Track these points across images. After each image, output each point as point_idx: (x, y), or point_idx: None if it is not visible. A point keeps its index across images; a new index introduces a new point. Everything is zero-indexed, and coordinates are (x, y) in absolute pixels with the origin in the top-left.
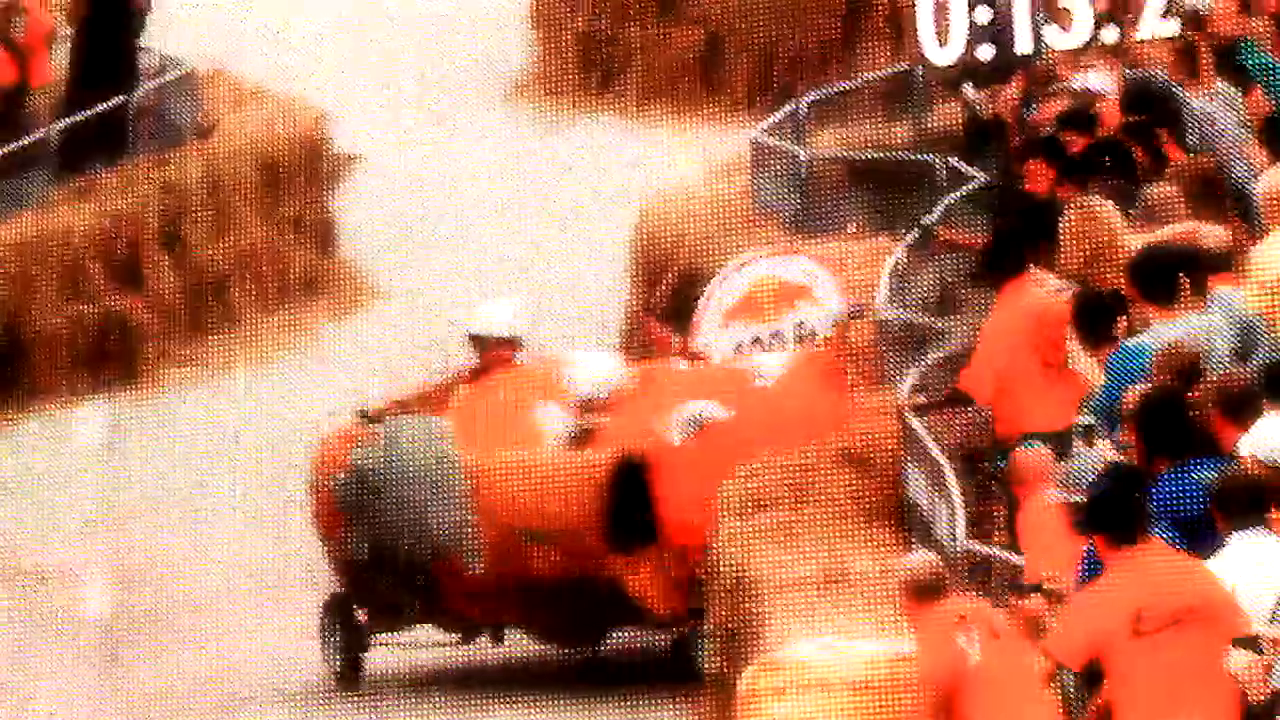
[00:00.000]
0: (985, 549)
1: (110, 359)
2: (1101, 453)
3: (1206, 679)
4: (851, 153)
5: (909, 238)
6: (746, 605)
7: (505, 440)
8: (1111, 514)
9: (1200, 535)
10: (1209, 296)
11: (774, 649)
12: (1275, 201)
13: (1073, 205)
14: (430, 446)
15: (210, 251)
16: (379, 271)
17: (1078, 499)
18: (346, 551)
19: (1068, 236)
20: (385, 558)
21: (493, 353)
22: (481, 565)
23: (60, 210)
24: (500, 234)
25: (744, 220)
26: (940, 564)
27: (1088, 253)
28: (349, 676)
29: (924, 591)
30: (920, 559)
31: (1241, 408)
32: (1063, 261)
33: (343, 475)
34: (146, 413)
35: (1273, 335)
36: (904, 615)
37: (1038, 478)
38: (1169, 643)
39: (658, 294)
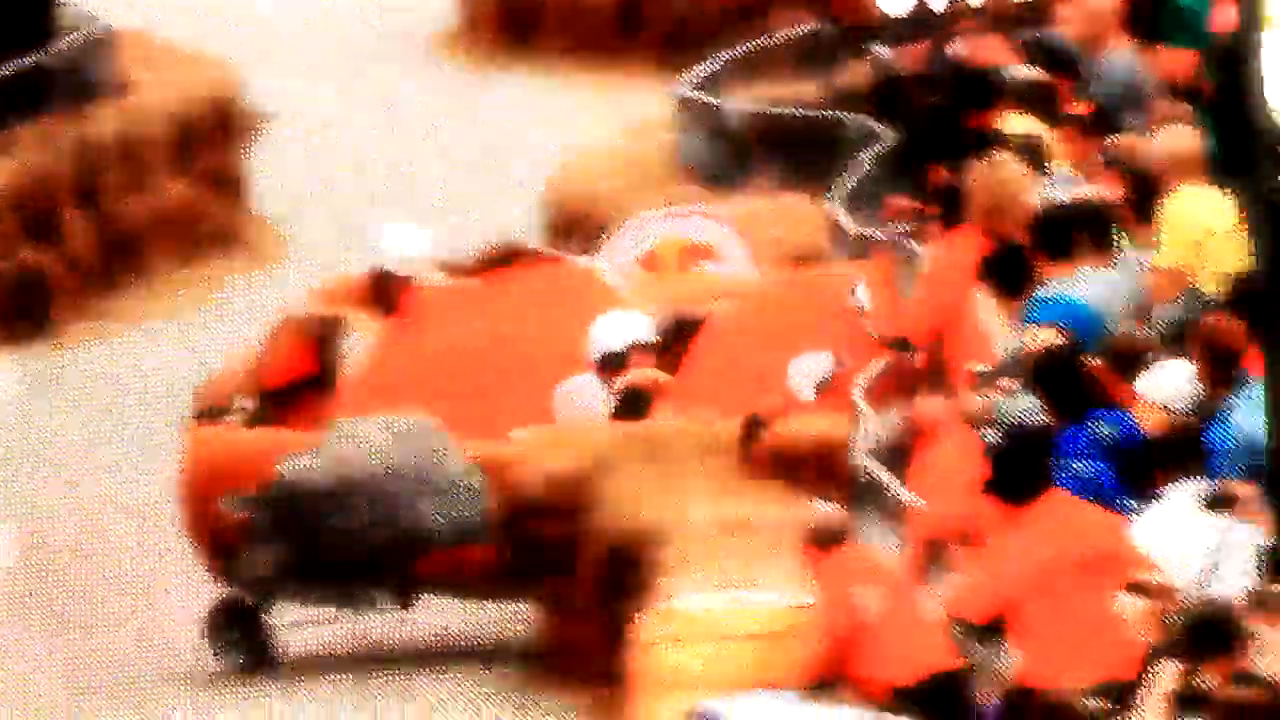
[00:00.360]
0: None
1: (24, 314)
2: (1018, 405)
3: (1109, 629)
4: (770, 108)
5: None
6: (644, 554)
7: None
8: (1014, 473)
9: (1102, 490)
10: (1114, 254)
11: (671, 598)
12: (1175, 159)
13: (979, 161)
14: (416, 444)
15: (125, 207)
16: (293, 226)
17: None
18: (255, 569)
19: (974, 191)
20: (325, 564)
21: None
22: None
23: None
24: (416, 190)
25: (661, 176)
26: (844, 513)
27: (992, 207)
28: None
29: (826, 539)
30: (825, 507)
31: (1135, 365)
32: (970, 216)
33: (258, 492)
34: (60, 367)
35: (1178, 293)
36: (805, 563)
37: (938, 427)
38: (1072, 594)
39: (570, 249)
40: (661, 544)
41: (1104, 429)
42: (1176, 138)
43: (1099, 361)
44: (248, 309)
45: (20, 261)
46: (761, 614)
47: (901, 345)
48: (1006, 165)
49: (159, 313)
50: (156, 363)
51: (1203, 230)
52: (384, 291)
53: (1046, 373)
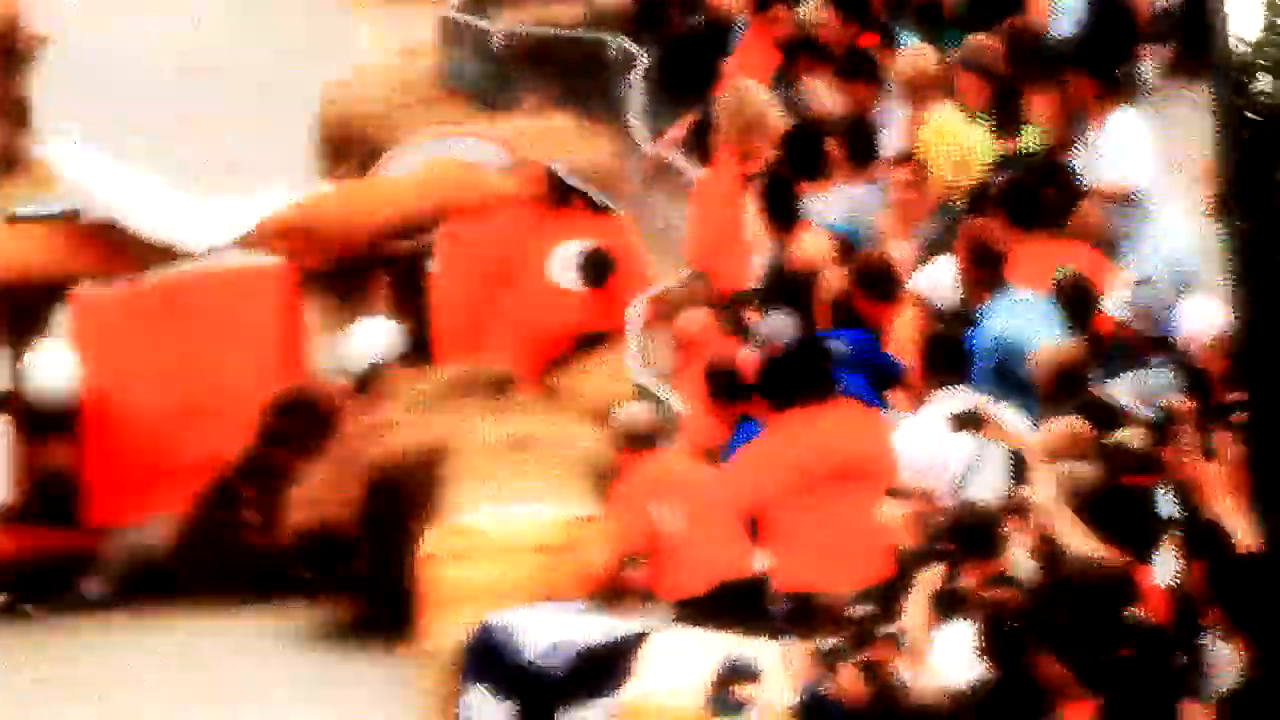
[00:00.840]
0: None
1: None
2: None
3: (864, 533)
4: (535, 29)
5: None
6: (430, 470)
7: None
8: (780, 379)
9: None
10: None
11: (456, 513)
12: (913, 81)
13: (727, 87)
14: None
15: None
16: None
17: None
18: None
19: (722, 115)
20: None
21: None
22: None
23: None
24: (191, 111)
25: (431, 98)
26: (656, 414)
27: (741, 130)
28: None
29: (636, 441)
30: (638, 408)
31: (883, 286)
32: (724, 140)
33: None
34: None
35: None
36: (617, 462)
37: (700, 342)
38: (829, 498)
39: (342, 174)
40: (444, 461)
41: (841, 346)
42: (918, 57)
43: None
44: None
45: None
46: (545, 527)
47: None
48: (750, 89)
49: None
50: None
51: (962, 147)
52: None
53: (794, 292)
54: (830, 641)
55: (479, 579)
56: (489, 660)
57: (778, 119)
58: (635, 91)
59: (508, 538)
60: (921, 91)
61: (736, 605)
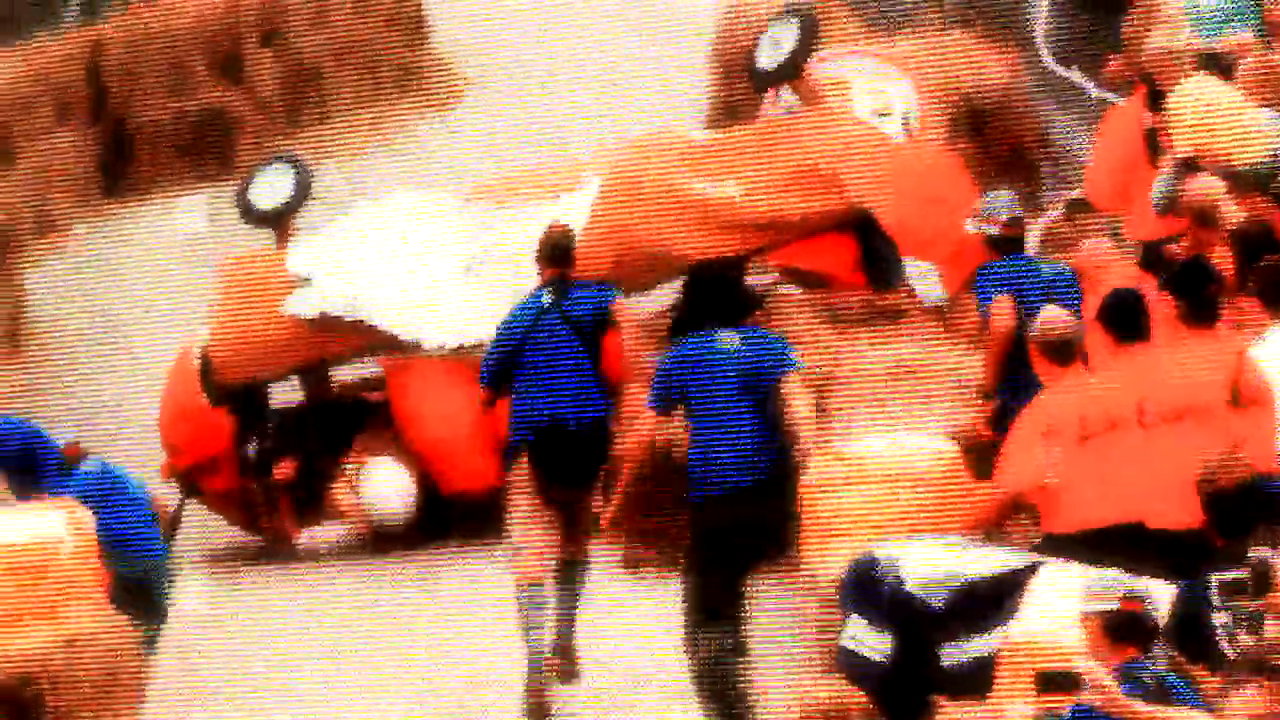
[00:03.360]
0: None
1: (210, 151)
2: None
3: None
4: None
5: None
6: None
7: None
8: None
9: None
10: None
11: (840, 441)
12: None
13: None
14: None
15: (307, 45)
16: (472, 63)
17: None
18: None
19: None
20: None
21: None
22: None
23: (165, 4)
24: (589, 18)
25: (827, 12)
26: (1072, 321)
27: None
28: None
29: (1054, 351)
30: (1053, 313)
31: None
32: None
33: None
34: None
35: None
36: (1037, 372)
37: (1101, 271)
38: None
39: (738, 89)
40: (830, 388)
41: None
42: None
43: None
44: (430, 147)
45: (205, 100)
46: (931, 457)
47: (1083, 207)
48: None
49: (339, 151)
50: (337, 200)
51: None
52: None
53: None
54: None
55: (862, 508)
56: (870, 591)
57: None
58: (1043, 6)
59: (892, 467)
60: None
61: (1118, 544)
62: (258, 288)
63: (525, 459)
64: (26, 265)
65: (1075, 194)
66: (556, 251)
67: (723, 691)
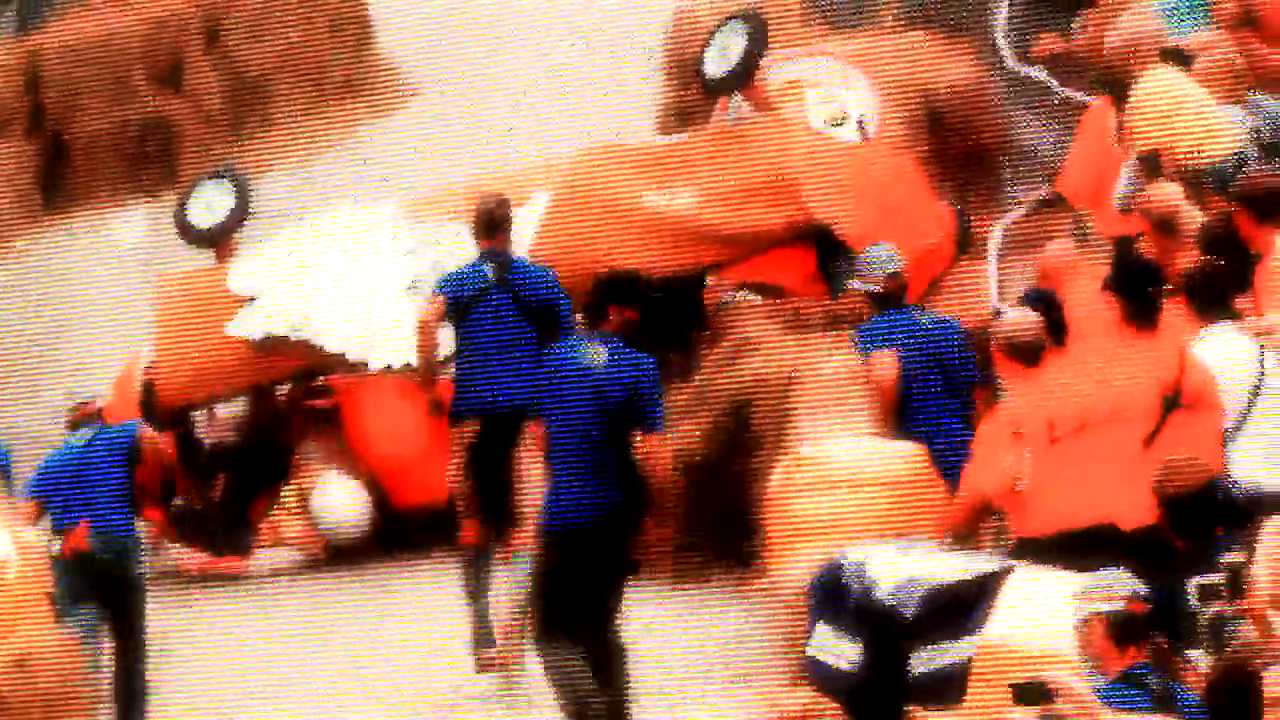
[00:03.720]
0: None
1: (151, 161)
2: None
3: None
4: None
5: None
6: (778, 402)
7: None
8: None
9: None
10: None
11: (804, 444)
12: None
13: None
14: None
15: (249, 54)
16: (416, 69)
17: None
18: None
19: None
20: None
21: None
22: None
23: (103, 13)
24: (537, 26)
25: (780, 14)
26: (1038, 322)
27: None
28: None
29: (1022, 354)
30: (1019, 315)
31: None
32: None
33: None
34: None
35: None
36: (999, 375)
37: (1063, 273)
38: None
39: (690, 93)
40: (795, 391)
41: None
42: None
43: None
44: (376, 155)
45: (147, 109)
46: (899, 460)
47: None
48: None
49: (284, 159)
50: (284, 208)
51: None
52: None
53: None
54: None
55: (827, 512)
56: (838, 597)
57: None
58: (1003, 4)
59: (858, 470)
60: None
61: (1089, 546)
62: (199, 307)
63: (466, 429)
64: None
65: (1043, 192)
66: (491, 222)
67: (581, 711)
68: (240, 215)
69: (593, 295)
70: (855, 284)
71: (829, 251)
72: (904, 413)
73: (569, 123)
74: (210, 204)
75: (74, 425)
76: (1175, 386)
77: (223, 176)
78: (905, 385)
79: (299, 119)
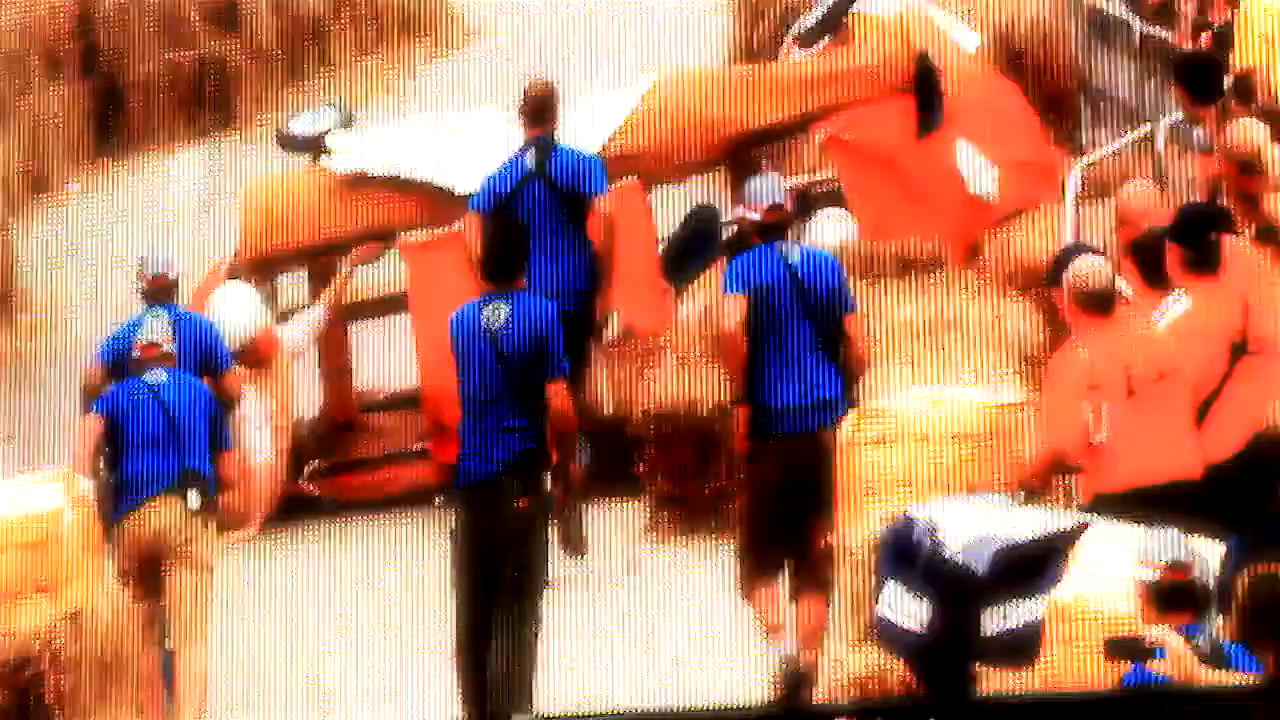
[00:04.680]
0: None
1: (207, 104)
2: None
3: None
4: None
5: None
6: None
7: None
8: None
9: None
10: None
11: (875, 398)
12: None
13: None
14: None
15: None
16: (476, 10)
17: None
18: None
19: None
20: None
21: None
22: None
23: None
24: None
25: None
26: (1111, 270)
27: None
28: None
29: (1095, 303)
30: (1091, 262)
31: None
32: None
33: None
34: (243, 157)
35: None
36: (1071, 324)
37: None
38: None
39: (761, 30)
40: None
41: None
42: None
43: None
44: (433, 95)
45: (202, 51)
46: (970, 414)
47: None
48: None
49: (342, 101)
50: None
51: None
52: None
53: None
54: None
55: (899, 467)
56: (908, 554)
57: None
58: None
59: (930, 424)
60: None
61: (1166, 503)
62: (288, 195)
63: None
64: (19, 224)
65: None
66: (540, 107)
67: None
68: (345, 126)
69: (498, 252)
70: (739, 211)
71: (929, 101)
72: (760, 348)
73: (634, 63)
74: (315, 118)
75: (149, 297)
76: (1242, 333)
77: (328, 105)
78: (763, 320)
79: (357, 60)
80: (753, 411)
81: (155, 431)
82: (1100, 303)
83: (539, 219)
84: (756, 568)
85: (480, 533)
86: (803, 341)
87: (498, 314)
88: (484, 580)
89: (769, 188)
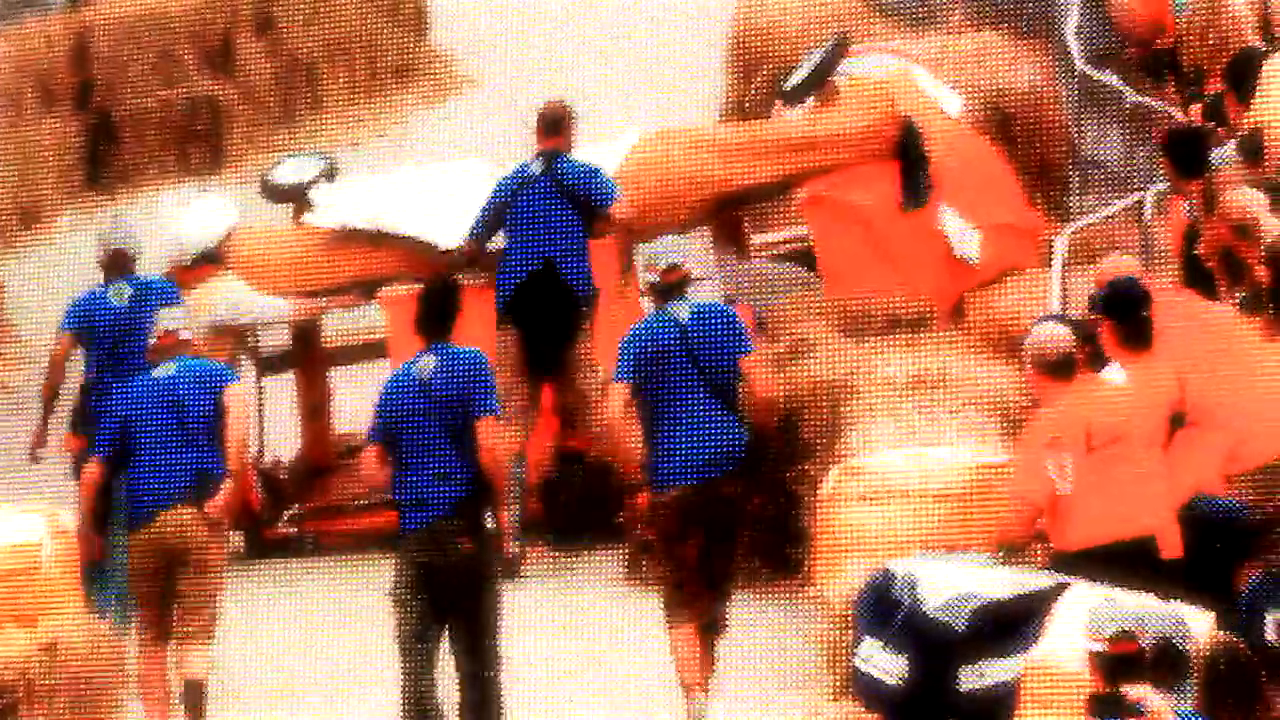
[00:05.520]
0: None
1: (199, 142)
2: None
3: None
4: None
5: None
6: (832, 408)
7: None
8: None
9: None
10: None
11: (858, 454)
12: None
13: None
14: None
15: (302, 36)
16: (471, 58)
17: None
18: None
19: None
20: None
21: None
22: None
23: None
24: (593, 20)
25: (852, 12)
26: (1071, 337)
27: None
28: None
29: (1055, 368)
30: (1050, 330)
31: None
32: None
33: None
34: (233, 195)
35: None
36: (1033, 389)
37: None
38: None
39: (754, 87)
40: (847, 398)
41: None
42: None
43: None
44: (424, 141)
45: (196, 89)
46: (952, 472)
47: None
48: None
49: (333, 144)
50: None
51: None
52: None
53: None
54: None
55: (879, 524)
56: (886, 610)
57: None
58: (1074, 6)
59: (912, 482)
60: None
61: (1129, 561)
62: (271, 251)
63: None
64: (8, 255)
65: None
66: (554, 120)
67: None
68: (327, 179)
69: (431, 309)
70: (639, 272)
71: (914, 172)
72: (654, 409)
73: (626, 117)
74: (299, 168)
75: (109, 270)
76: (1179, 406)
77: (313, 154)
78: (656, 384)
79: (349, 103)
80: (651, 469)
81: (167, 434)
82: (1059, 369)
83: (543, 209)
84: (669, 616)
85: (428, 579)
86: (695, 397)
87: (427, 365)
88: (431, 631)
89: (665, 249)
